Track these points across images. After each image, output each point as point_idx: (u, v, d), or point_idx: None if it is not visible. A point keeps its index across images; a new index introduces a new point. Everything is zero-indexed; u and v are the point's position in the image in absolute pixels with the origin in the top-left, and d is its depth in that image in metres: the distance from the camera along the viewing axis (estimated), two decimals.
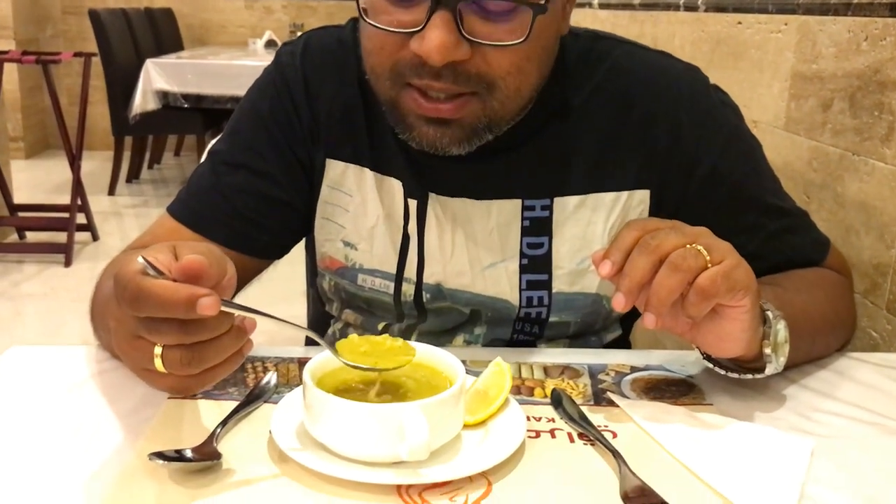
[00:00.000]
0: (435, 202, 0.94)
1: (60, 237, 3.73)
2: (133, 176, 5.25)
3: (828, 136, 1.26)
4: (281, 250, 1.01)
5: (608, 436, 0.73)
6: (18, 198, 4.11)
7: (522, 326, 0.99)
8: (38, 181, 5.13)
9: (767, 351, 0.77)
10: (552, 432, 0.74)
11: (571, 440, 0.73)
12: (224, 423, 0.72)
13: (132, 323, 0.60)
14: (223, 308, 0.59)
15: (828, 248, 0.99)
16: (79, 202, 3.81)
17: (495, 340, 1.00)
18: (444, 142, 0.83)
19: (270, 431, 0.70)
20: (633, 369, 0.88)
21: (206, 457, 0.66)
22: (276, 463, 0.68)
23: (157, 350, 0.60)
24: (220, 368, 0.62)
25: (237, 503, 0.62)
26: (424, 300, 0.98)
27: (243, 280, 0.94)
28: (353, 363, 0.70)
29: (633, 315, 1.05)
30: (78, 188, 3.79)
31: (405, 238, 0.96)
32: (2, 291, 3.39)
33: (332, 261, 1.01)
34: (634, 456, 0.68)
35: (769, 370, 0.79)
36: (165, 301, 0.57)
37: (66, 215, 3.78)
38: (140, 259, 0.60)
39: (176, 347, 0.60)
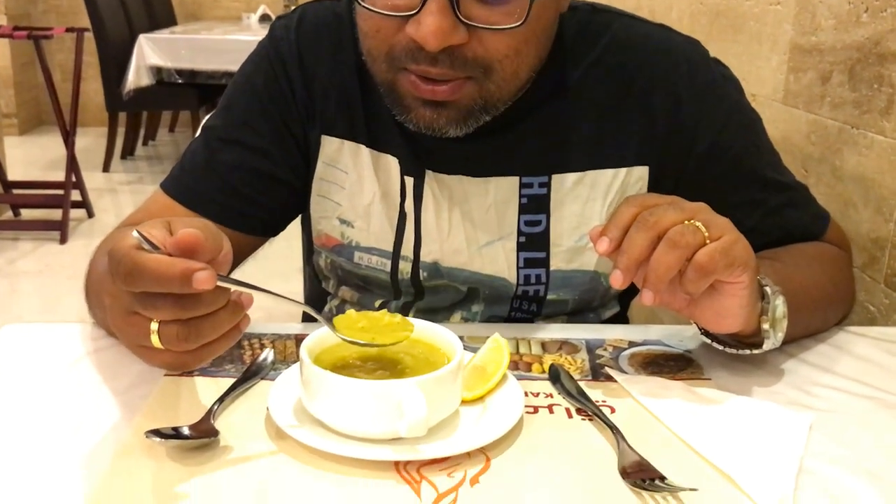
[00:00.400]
0: (432, 180, 0.94)
1: (55, 214, 3.72)
2: (128, 152, 5.22)
3: (826, 110, 1.25)
4: (276, 227, 1.00)
5: (606, 411, 0.73)
6: (12, 174, 4.09)
7: (520, 304, 0.99)
8: (33, 158, 5.10)
9: (765, 326, 0.77)
10: (550, 408, 0.74)
11: (569, 415, 0.73)
12: (221, 400, 0.72)
13: (127, 299, 0.60)
14: (219, 283, 0.58)
15: (827, 222, 0.99)
16: (73, 179, 3.79)
17: (493, 318, 0.99)
18: (440, 123, 0.82)
19: (268, 408, 0.70)
20: (631, 344, 0.88)
21: (203, 434, 0.66)
22: (274, 440, 0.68)
23: (154, 326, 0.59)
24: (217, 344, 0.62)
25: (235, 480, 0.62)
26: (421, 278, 0.98)
27: (239, 257, 0.93)
28: (350, 339, 0.70)
29: (631, 292, 1.05)
30: (72, 165, 3.77)
31: (402, 216, 0.96)
32: None
33: (328, 238, 1.00)
34: (632, 431, 0.68)
35: (767, 346, 0.78)
36: (161, 275, 0.57)
37: (60, 192, 3.76)
38: (134, 233, 0.59)
39: (172, 323, 0.59)
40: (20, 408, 0.73)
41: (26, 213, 4.00)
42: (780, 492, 0.61)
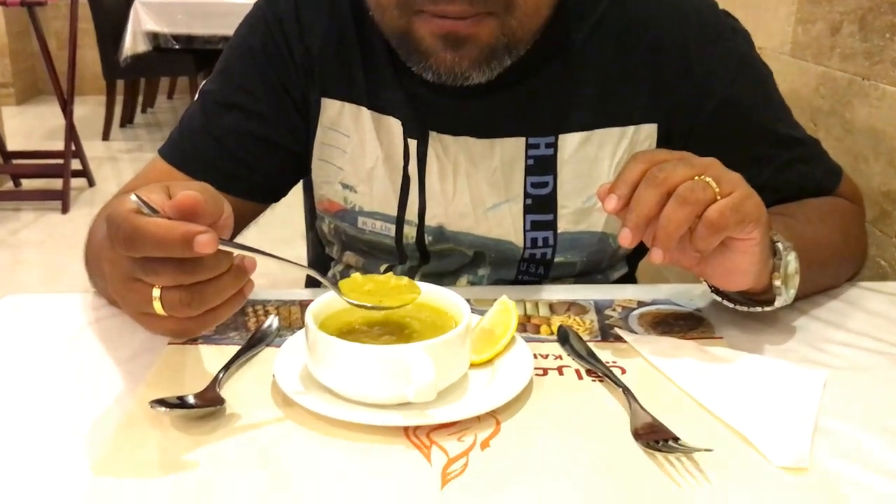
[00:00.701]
0: (436, 142, 0.92)
1: (56, 184, 3.70)
2: (127, 120, 5.19)
3: (836, 61, 1.22)
4: (277, 193, 0.98)
5: (616, 372, 0.72)
6: (11, 145, 4.07)
7: (527, 267, 0.97)
8: (31, 127, 5.07)
9: (777, 283, 0.76)
10: (560, 369, 0.73)
11: (580, 377, 0.72)
12: (226, 367, 0.71)
13: (128, 265, 0.58)
14: (221, 246, 0.57)
15: (840, 177, 0.97)
16: (73, 148, 3.77)
17: (500, 282, 0.98)
18: (462, 66, 0.79)
19: (274, 375, 0.69)
20: (640, 304, 0.86)
21: (209, 402, 0.65)
22: (281, 407, 0.67)
23: (156, 292, 0.58)
24: (221, 309, 0.60)
25: (242, 448, 0.61)
26: (427, 242, 0.96)
27: (240, 224, 0.92)
28: (357, 302, 0.69)
29: (639, 252, 1.03)
30: (71, 134, 3.74)
31: (405, 180, 0.94)
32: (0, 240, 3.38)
33: (330, 203, 0.98)
34: (644, 392, 0.67)
35: (779, 302, 0.77)
36: (161, 239, 0.55)
37: (60, 161, 3.73)
38: (133, 198, 0.58)
39: (175, 289, 0.58)
40: (22, 379, 0.72)
41: (27, 184, 3.98)
42: (797, 451, 0.60)
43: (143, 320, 0.61)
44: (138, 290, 0.59)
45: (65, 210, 3.63)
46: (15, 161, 4.00)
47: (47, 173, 3.86)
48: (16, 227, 3.51)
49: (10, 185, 3.97)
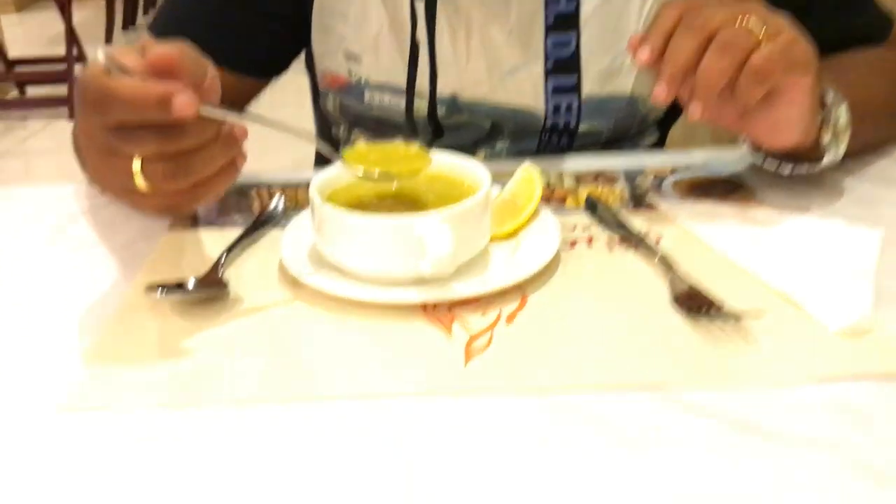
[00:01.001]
0: (445, 0, 0.84)
1: (62, 90, 3.61)
2: (129, 22, 5.07)
3: None
4: (275, 66, 0.91)
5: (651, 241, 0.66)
6: (14, 52, 3.97)
7: (549, 138, 0.90)
8: (33, 34, 4.96)
9: (826, 139, 0.69)
10: (589, 240, 0.67)
11: (610, 248, 0.66)
12: (229, 251, 0.66)
13: (103, 135, 0.52)
14: (203, 111, 0.50)
15: (891, 26, 0.88)
16: (76, 53, 3.67)
17: (520, 155, 0.91)
18: None
19: (281, 256, 0.64)
20: (674, 171, 0.80)
21: (210, 286, 0.60)
22: (289, 289, 0.62)
23: (136, 165, 0.52)
24: (211, 183, 0.54)
25: (249, 333, 0.57)
26: (439, 115, 0.89)
27: (238, 104, 0.86)
28: (362, 169, 0.62)
29: (672, 115, 0.96)
30: (72, 38, 3.64)
31: (413, 46, 0.86)
32: (9, 149, 3.33)
33: (334, 78, 0.91)
34: (682, 259, 0.62)
35: (827, 160, 0.70)
36: (134, 101, 0.49)
37: (64, 67, 3.64)
38: (100, 55, 0.51)
39: (156, 159, 0.52)
40: (13, 270, 0.68)
41: (32, 91, 3.90)
42: (856, 312, 0.54)
43: (127, 198, 0.56)
44: (117, 164, 0.53)
45: (72, 116, 3.56)
46: (18, 69, 3.91)
47: (52, 79, 3.77)
48: (24, 136, 3.46)
49: (14, 93, 3.89)
